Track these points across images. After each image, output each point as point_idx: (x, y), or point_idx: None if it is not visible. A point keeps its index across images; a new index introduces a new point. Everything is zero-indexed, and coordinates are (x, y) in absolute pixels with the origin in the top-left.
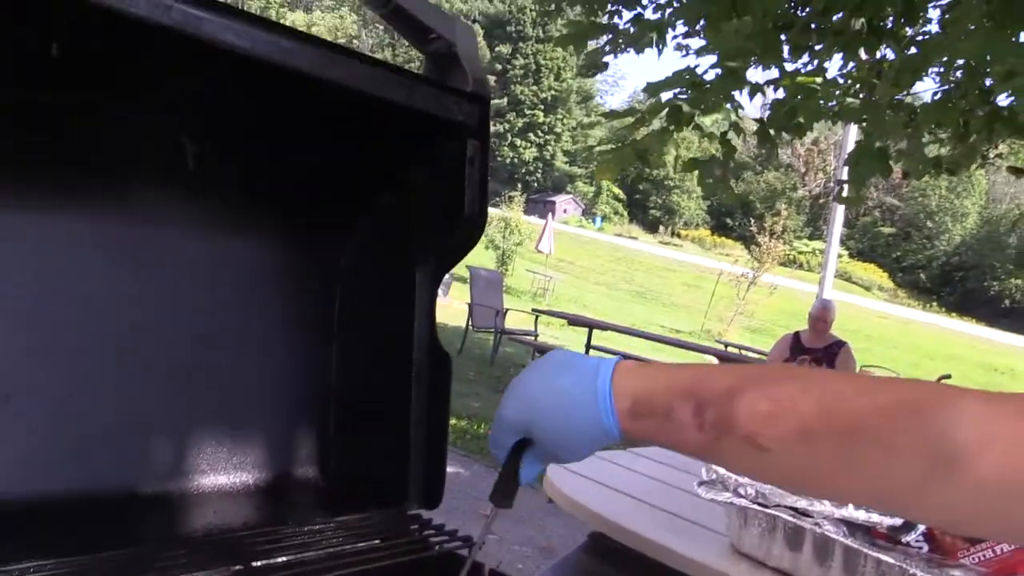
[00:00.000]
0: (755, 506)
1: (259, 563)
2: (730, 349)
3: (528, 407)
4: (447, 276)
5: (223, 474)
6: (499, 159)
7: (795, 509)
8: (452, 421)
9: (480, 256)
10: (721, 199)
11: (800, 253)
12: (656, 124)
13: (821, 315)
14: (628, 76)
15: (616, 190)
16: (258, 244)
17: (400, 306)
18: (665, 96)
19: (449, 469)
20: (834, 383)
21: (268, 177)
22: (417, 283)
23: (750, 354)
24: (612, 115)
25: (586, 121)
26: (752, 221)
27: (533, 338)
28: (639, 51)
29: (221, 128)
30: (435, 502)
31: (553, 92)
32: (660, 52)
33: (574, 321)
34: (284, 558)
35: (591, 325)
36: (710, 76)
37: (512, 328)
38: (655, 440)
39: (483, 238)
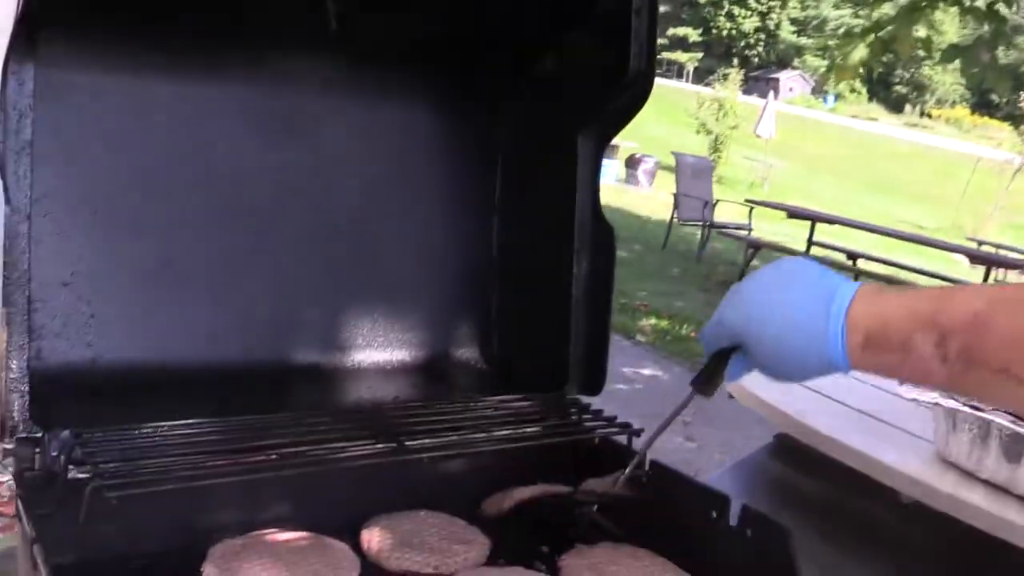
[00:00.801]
0: (967, 409)
1: (409, 441)
2: (984, 248)
3: (750, 318)
4: (651, 163)
5: (379, 350)
6: (714, 31)
7: (1015, 415)
8: (653, 321)
9: (689, 142)
10: (995, 87)
11: None
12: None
13: None
14: None
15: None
16: (411, 112)
17: (561, 177)
18: None
19: (648, 371)
20: None
21: (418, 40)
22: (579, 152)
23: (1010, 254)
24: None
25: None
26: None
27: (746, 232)
28: None
29: None
30: (597, 388)
31: None
32: None
33: (794, 213)
34: (431, 439)
35: (814, 218)
36: None
37: (722, 221)
38: (892, 375)
39: (694, 122)
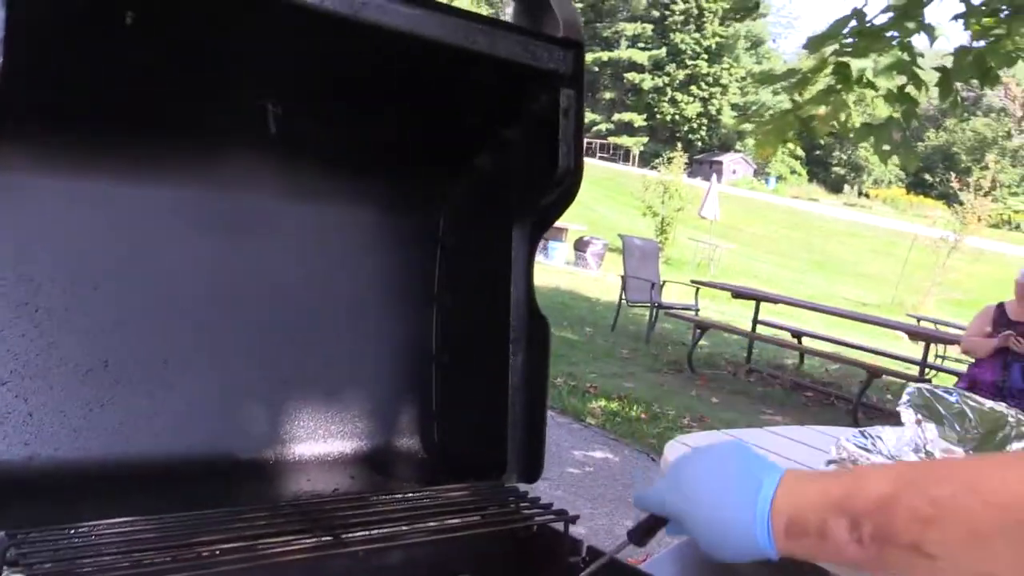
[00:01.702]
0: None
1: (346, 535)
2: (923, 324)
3: (687, 501)
4: (600, 246)
5: (320, 442)
6: (659, 116)
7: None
8: (603, 403)
9: (637, 224)
10: (904, 165)
11: (1016, 212)
12: (821, 84)
13: None
14: (802, 17)
15: (793, 145)
16: (353, 210)
17: (497, 269)
18: (829, 51)
19: (598, 454)
20: (1002, 472)
21: (359, 142)
22: (514, 245)
23: (949, 329)
24: (766, 78)
25: (756, 70)
26: (955, 177)
27: (694, 312)
28: None
29: (303, 90)
30: (535, 475)
31: (718, 39)
32: None
33: (739, 294)
34: (372, 530)
35: (758, 298)
36: (881, 20)
37: (670, 302)
38: (815, 559)
39: (640, 204)
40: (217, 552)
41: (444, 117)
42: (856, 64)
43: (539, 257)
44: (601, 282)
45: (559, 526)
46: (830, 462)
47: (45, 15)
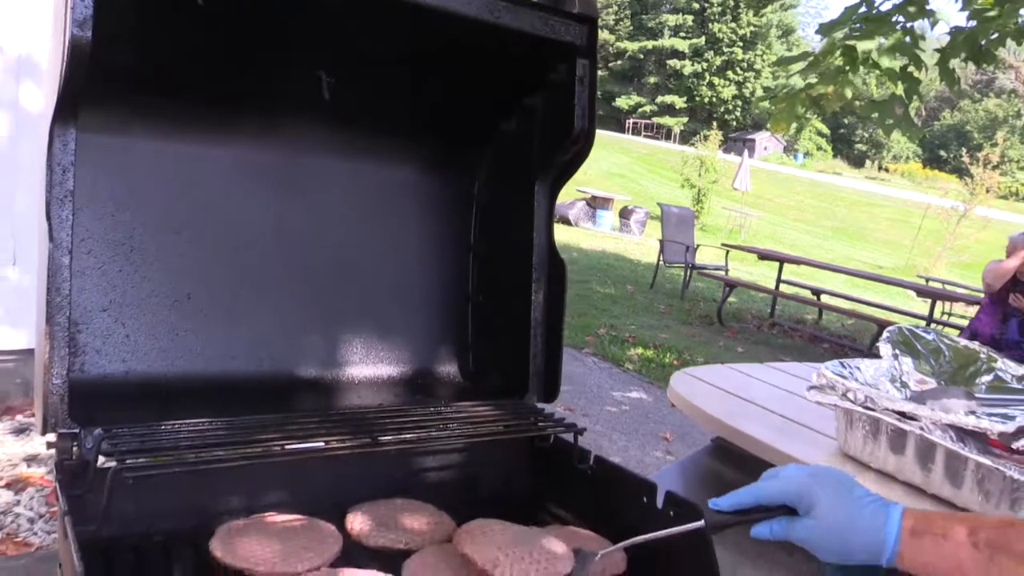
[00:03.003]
0: (860, 409)
1: (383, 437)
2: (932, 284)
3: (821, 482)
4: (642, 214)
5: (368, 366)
6: (697, 99)
7: (901, 413)
8: (640, 351)
9: (676, 195)
10: (909, 138)
11: (1023, 184)
12: (831, 65)
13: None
14: (831, 7)
15: (819, 125)
16: (398, 170)
17: (522, 220)
18: (840, 35)
19: (634, 395)
20: None
21: (403, 108)
22: (536, 199)
23: (956, 288)
24: (783, 61)
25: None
26: (967, 152)
27: (723, 272)
28: None
29: (353, 62)
30: (553, 395)
31: (752, 28)
32: None
33: (765, 255)
34: (405, 435)
35: (782, 259)
36: (887, 7)
37: (703, 263)
38: (929, 560)
39: (679, 177)
40: (275, 448)
41: (476, 86)
42: (861, 46)
43: (587, 224)
44: (643, 246)
45: (570, 437)
46: (811, 387)
47: None
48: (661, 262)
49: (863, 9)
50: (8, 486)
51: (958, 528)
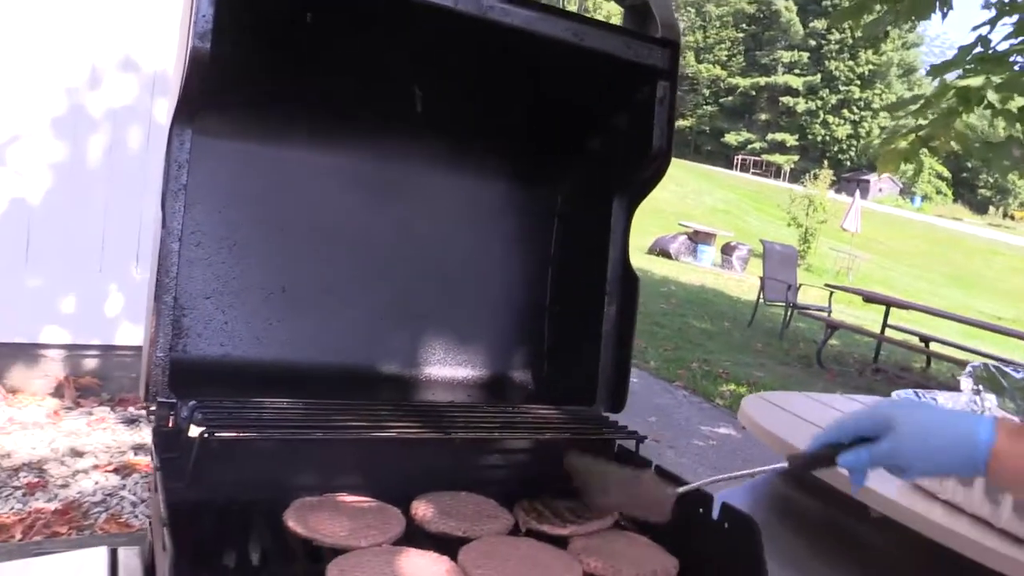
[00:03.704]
0: None
1: (451, 430)
2: None
3: (899, 407)
4: (744, 251)
5: (446, 367)
6: (810, 137)
7: None
8: (732, 387)
9: (781, 233)
10: None
11: None
12: (944, 106)
13: None
14: (955, 45)
15: (939, 167)
16: (487, 180)
17: (599, 235)
18: (952, 77)
19: (722, 431)
20: None
21: (493, 123)
22: (613, 214)
23: None
24: (895, 105)
25: (899, 99)
26: None
27: (827, 314)
28: (920, 18)
29: (445, 78)
30: (620, 406)
31: (871, 66)
32: (944, 16)
33: (871, 298)
34: (472, 430)
35: (889, 303)
36: (1004, 47)
37: (804, 303)
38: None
39: (786, 215)
40: (351, 429)
41: (562, 105)
42: (974, 83)
43: (688, 258)
44: (743, 283)
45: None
46: None
47: (244, 13)
48: (761, 300)
49: (979, 49)
50: (116, 471)
51: None
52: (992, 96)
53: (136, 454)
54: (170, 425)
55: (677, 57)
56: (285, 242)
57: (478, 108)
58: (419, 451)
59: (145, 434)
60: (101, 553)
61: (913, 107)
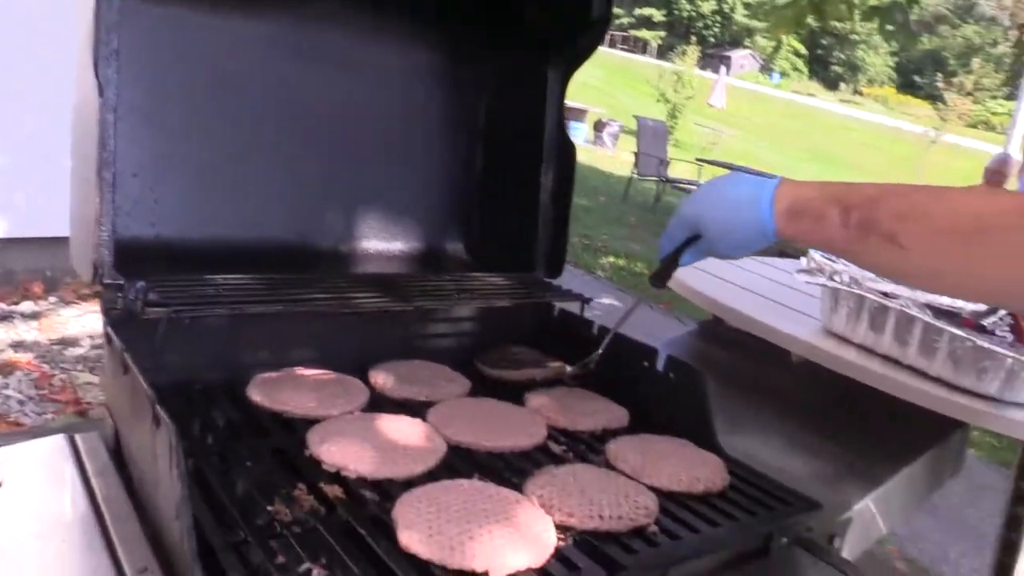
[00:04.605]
0: (846, 288)
1: (411, 297)
2: None
3: (702, 207)
4: (616, 127)
5: (382, 241)
6: (676, 12)
7: (884, 293)
8: (612, 259)
9: (650, 110)
10: (905, 47)
11: (994, 114)
12: None
13: (998, 167)
14: None
15: (797, 44)
16: (415, 53)
17: (534, 105)
18: None
19: (606, 301)
20: (964, 192)
21: None
22: (548, 83)
23: None
24: None
25: None
26: (942, 78)
27: (695, 187)
28: None
29: None
30: (558, 271)
31: None
32: None
33: (737, 171)
34: (430, 298)
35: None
36: None
37: (675, 177)
38: (806, 239)
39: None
40: (320, 301)
41: None
42: None
43: None
44: (615, 159)
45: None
46: (800, 271)
47: None
48: (634, 175)
49: None
50: None
51: (832, 210)
52: None
53: (16, 351)
54: (119, 307)
55: None
56: (213, 115)
57: None
58: (371, 322)
59: (22, 331)
60: (58, 441)
61: None
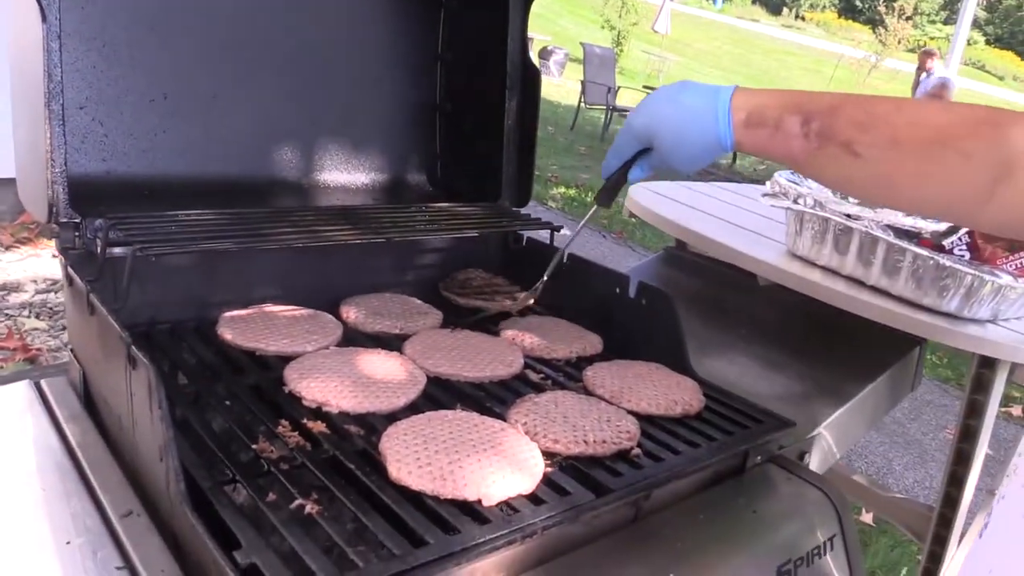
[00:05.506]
0: (811, 211)
1: (381, 229)
2: None
3: (654, 118)
4: (561, 55)
5: (344, 172)
6: None
7: (848, 215)
8: (562, 190)
9: (596, 36)
10: None
11: (932, 39)
12: None
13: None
14: None
15: None
16: None
17: (496, 29)
18: None
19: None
20: (923, 103)
21: None
22: (510, 7)
23: None
24: None
25: None
26: (883, 3)
27: None
28: None
29: None
30: (525, 200)
31: None
32: None
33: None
34: (399, 229)
35: None
36: None
37: (623, 105)
38: (763, 150)
39: (599, 18)
40: (289, 235)
41: None
42: None
43: None
44: (562, 87)
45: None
46: (765, 194)
47: None
48: (582, 104)
49: None
50: None
51: (791, 118)
52: None
53: None
54: (77, 247)
55: None
56: (162, 43)
57: None
58: (339, 255)
59: None
60: (22, 388)
61: None
